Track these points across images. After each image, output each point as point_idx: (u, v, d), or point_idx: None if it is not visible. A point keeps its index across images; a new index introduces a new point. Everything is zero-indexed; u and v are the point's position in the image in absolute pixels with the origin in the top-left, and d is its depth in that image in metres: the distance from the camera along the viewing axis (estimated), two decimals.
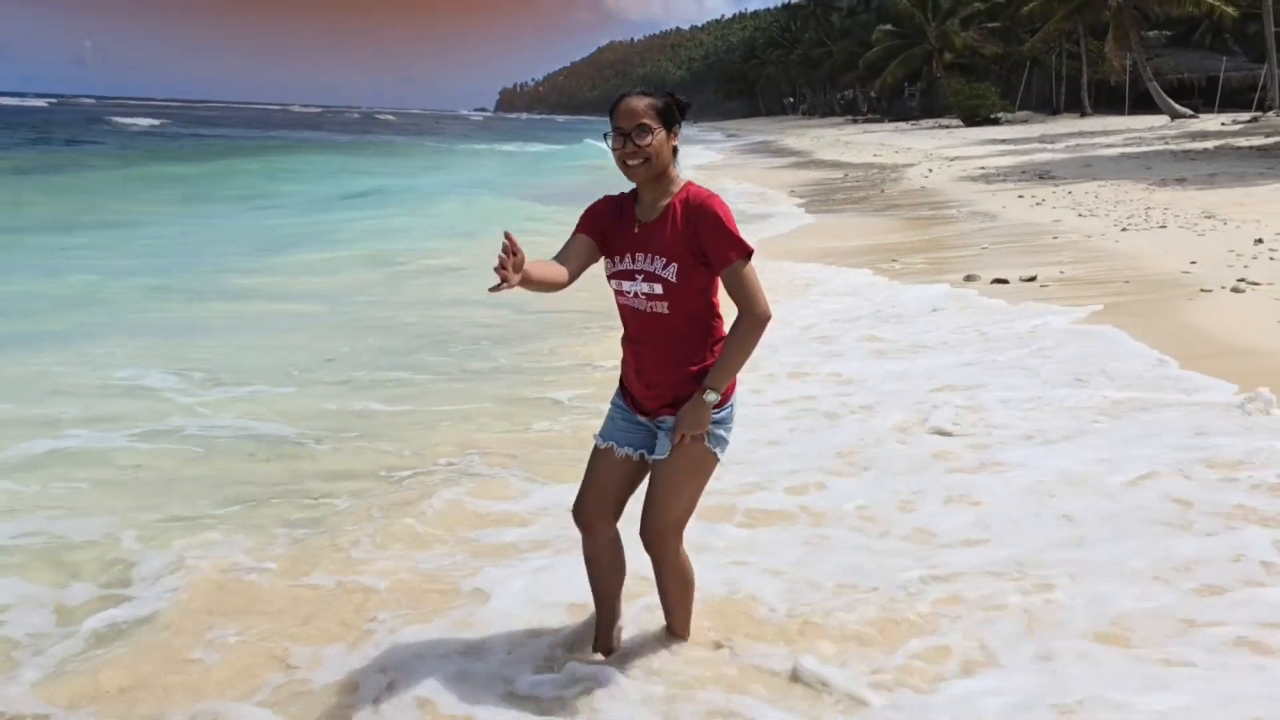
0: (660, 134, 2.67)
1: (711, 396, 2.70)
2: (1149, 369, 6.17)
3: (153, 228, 16.22)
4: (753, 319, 2.67)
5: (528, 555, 3.98)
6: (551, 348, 7.64)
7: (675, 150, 2.74)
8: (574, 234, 2.83)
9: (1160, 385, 5.84)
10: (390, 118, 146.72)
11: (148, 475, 4.96)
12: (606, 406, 3.03)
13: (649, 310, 2.75)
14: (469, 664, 3.13)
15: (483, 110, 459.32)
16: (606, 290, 2.89)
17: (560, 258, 2.77)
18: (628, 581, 3.16)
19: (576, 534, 3.04)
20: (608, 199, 2.89)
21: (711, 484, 4.38)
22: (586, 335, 8.00)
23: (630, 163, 2.67)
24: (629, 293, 2.77)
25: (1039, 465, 4.72)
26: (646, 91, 2.71)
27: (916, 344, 7.35)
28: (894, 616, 3.34)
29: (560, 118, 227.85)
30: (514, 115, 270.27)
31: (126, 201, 20.17)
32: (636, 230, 2.76)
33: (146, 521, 4.32)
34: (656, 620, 3.24)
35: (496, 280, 2.42)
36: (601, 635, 3.15)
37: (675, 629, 3.16)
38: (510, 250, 2.41)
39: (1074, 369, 6.31)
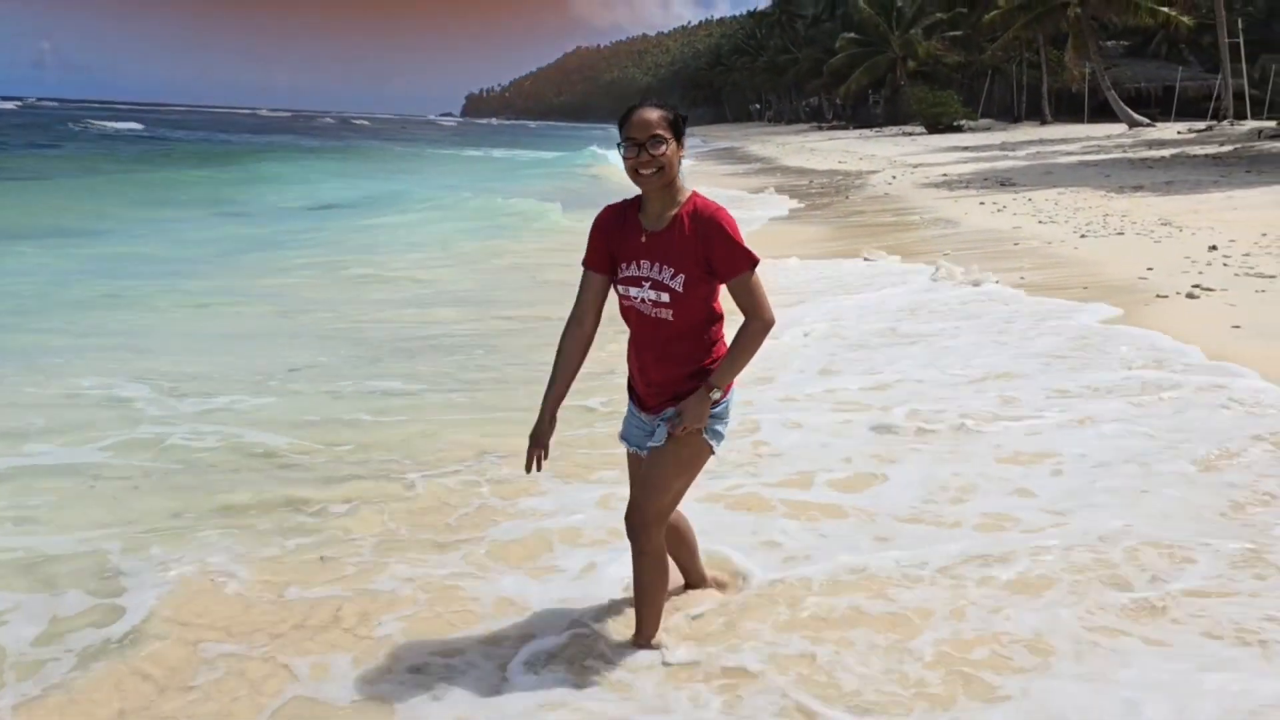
0: (672, 144, 2.78)
1: (716, 394, 2.84)
2: (1181, 359, 6.44)
3: (118, 234, 15.96)
4: (760, 324, 2.81)
5: (555, 556, 3.94)
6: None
7: (680, 162, 2.84)
8: (585, 271, 2.97)
9: (1199, 373, 6.11)
10: (365, 123, 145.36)
11: (128, 487, 4.79)
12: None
13: (654, 316, 2.87)
14: (495, 676, 3.07)
15: (449, 115, 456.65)
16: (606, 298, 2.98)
17: (579, 311, 2.99)
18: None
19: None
20: (610, 210, 2.99)
21: (755, 480, 4.58)
22: (595, 342, 7.90)
23: (644, 172, 2.77)
24: (635, 298, 2.88)
25: (1101, 450, 4.91)
26: (658, 104, 2.83)
27: (946, 336, 7.60)
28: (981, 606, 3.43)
29: (532, 123, 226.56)
30: (484, 121, 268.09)
31: (97, 206, 19.76)
32: (644, 239, 2.87)
33: (131, 534, 4.16)
34: (696, 625, 3.30)
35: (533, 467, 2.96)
36: (694, 581, 3.51)
37: (643, 629, 3.16)
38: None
39: (1110, 359, 6.57)
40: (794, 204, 20.52)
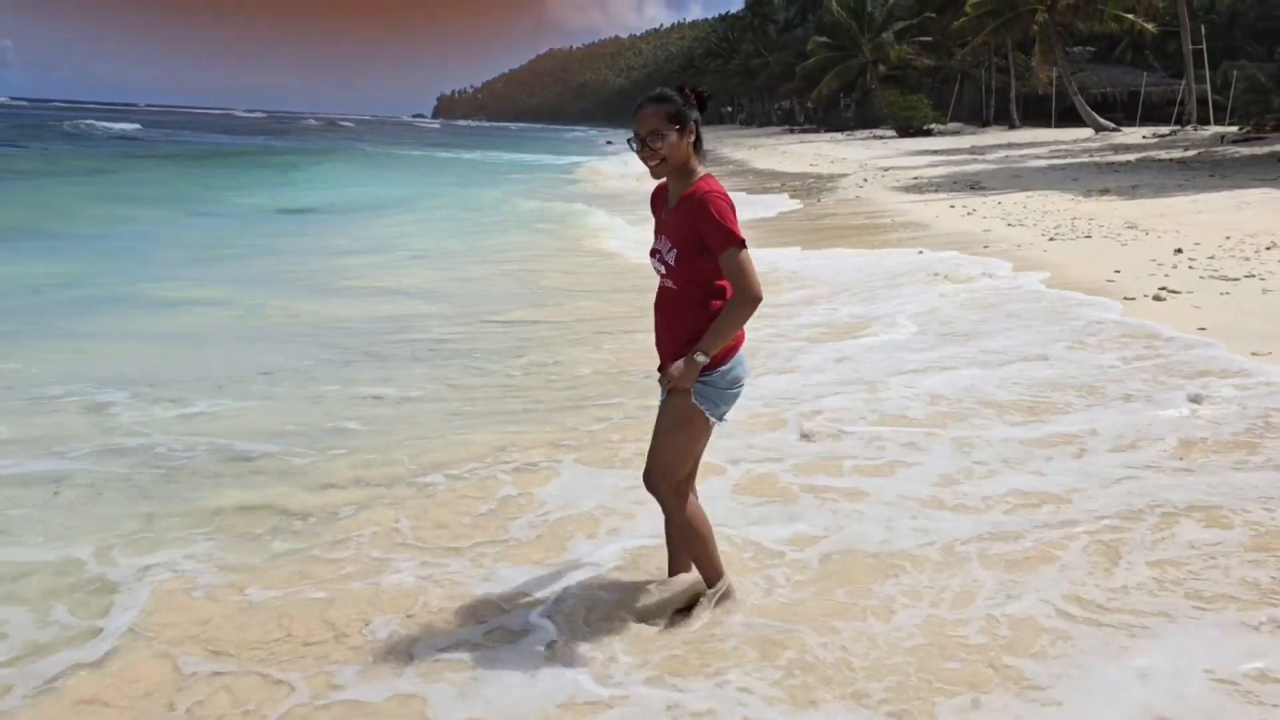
0: (673, 136, 3.02)
1: (700, 358, 3.01)
2: (1206, 350, 6.66)
3: (92, 236, 15.68)
4: (744, 298, 2.97)
5: (568, 552, 3.96)
6: (556, 359, 7.45)
7: (699, 143, 3.09)
8: None
9: (1223, 362, 6.34)
10: (350, 124, 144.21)
11: (102, 496, 4.63)
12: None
13: (664, 285, 3.15)
14: (509, 674, 3.05)
15: (420, 116, 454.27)
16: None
17: None
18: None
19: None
20: (656, 188, 3.30)
21: (779, 465, 4.76)
22: (589, 345, 7.89)
23: (650, 164, 3.07)
24: (654, 268, 3.18)
25: (1134, 430, 5.12)
26: (661, 97, 3.05)
27: (970, 325, 7.92)
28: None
29: (512, 125, 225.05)
30: (463, 122, 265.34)
31: (78, 207, 19.37)
32: (664, 216, 3.18)
33: (108, 545, 4.02)
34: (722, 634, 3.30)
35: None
36: (677, 569, 3.52)
37: (704, 578, 3.36)
38: None
39: (1132, 346, 6.84)
40: (794, 204, 20.67)
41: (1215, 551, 3.70)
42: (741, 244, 2.96)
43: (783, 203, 21.05)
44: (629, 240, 14.81)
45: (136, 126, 71.93)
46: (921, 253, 11.86)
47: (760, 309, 3.09)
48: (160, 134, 64.67)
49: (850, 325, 8.28)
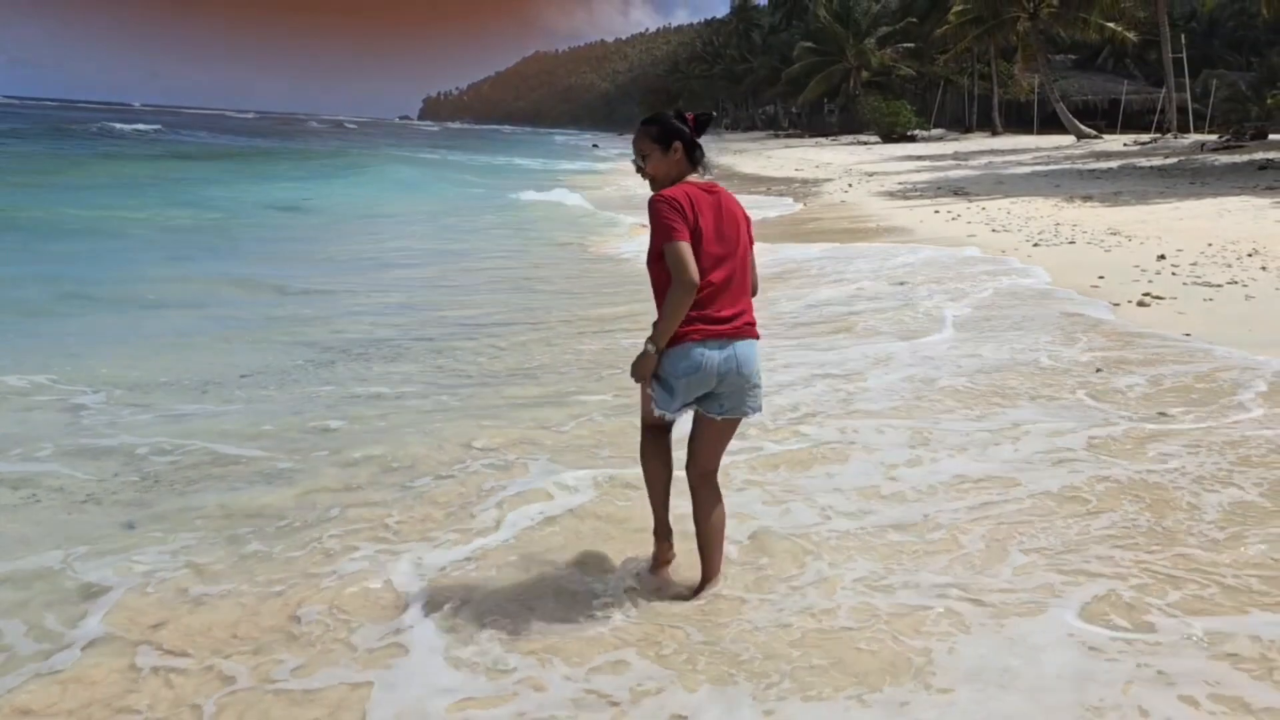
0: (655, 156, 3.24)
1: (649, 348, 3.14)
2: (1197, 344, 6.90)
3: (79, 235, 15.45)
4: (677, 285, 3.07)
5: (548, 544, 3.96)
6: (542, 361, 7.36)
7: (693, 155, 3.25)
8: None
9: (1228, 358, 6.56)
10: (354, 125, 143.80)
11: (71, 500, 4.52)
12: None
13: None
14: (435, 668, 3.04)
15: (407, 118, 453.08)
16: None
17: None
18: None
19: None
20: None
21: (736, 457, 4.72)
22: (567, 344, 7.81)
23: (646, 180, 3.32)
24: None
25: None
26: (648, 120, 3.27)
27: (964, 318, 8.16)
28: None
29: (506, 128, 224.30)
30: (455, 125, 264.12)
31: (64, 204, 18.96)
32: None
33: (78, 551, 3.91)
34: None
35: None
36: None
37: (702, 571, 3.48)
38: None
39: (1123, 341, 7.10)
40: (797, 206, 20.72)
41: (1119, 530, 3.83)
42: (672, 240, 3.06)
43: (782, 204, 21.15)
44: (633, 244, 14.75)
45: (157, 127, 71.08)
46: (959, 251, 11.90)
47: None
48: (192, 136, 63.49)
49: (847, 320, 8.30)
